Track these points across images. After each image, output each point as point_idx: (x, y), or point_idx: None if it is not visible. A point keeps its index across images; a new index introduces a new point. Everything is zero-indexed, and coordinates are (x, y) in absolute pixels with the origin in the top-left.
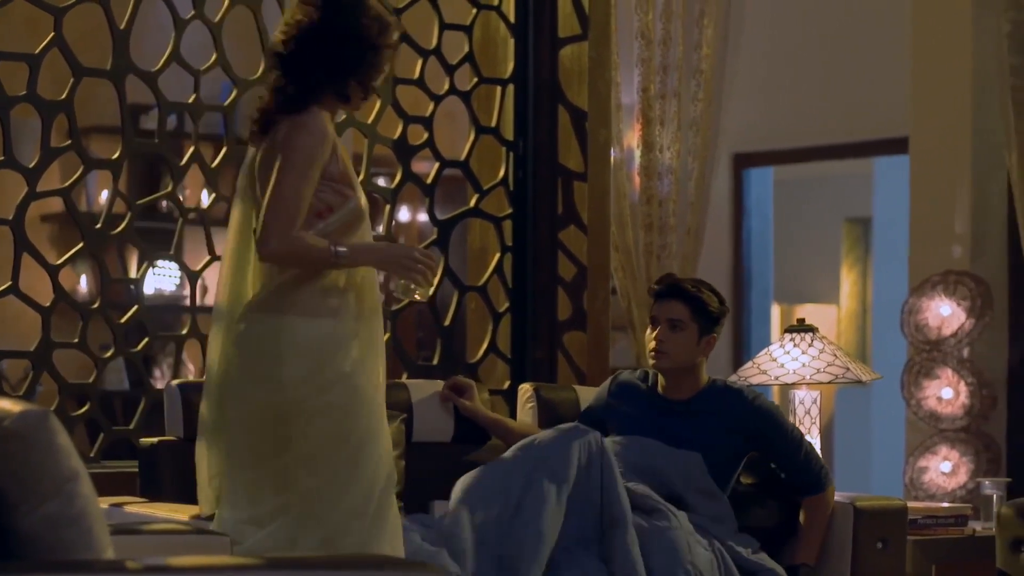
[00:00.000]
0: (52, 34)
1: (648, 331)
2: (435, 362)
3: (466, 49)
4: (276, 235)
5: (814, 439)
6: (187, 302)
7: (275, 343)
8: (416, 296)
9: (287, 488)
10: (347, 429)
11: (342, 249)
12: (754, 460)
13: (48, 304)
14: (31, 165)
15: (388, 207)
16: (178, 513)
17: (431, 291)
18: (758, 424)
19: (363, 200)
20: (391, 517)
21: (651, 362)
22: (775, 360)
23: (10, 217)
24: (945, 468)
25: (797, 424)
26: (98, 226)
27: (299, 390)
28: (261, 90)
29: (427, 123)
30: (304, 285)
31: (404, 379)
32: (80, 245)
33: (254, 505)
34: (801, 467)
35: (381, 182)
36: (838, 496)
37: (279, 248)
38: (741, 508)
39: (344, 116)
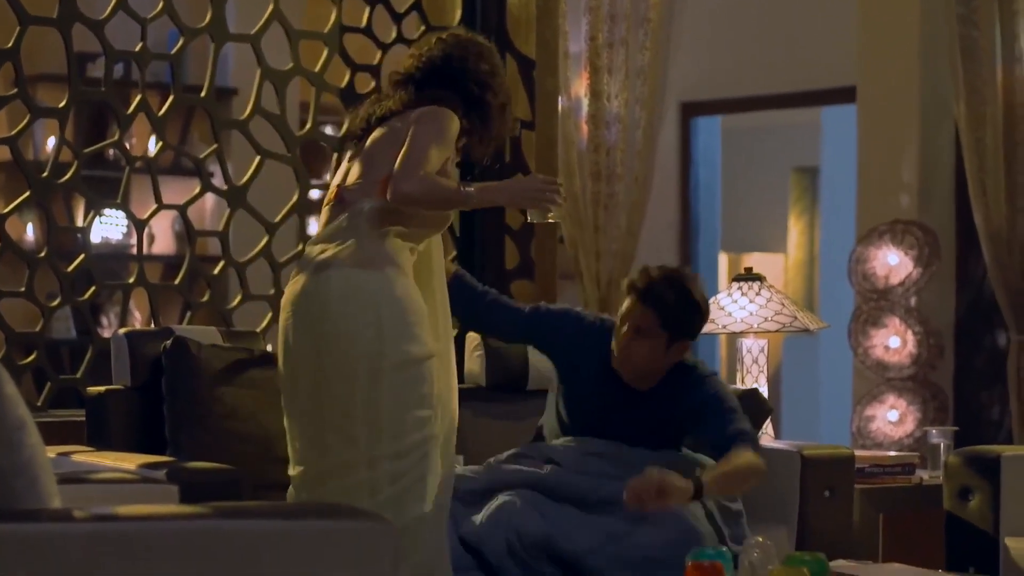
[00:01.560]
0: None
1: (619, 322)
2: None
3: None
4: (409, 176)
5: (762, 387)
6: (134, 251)
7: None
8: (550, 219)
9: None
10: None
11: (470, 189)
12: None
13: None
14: None
15: (335, 155)
16: (125, 462)
17: (562, 211)
18: (703, 397)
19: None
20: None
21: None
22: (723, 309)
23: None
24: (892, 417)
25: (745, 372)
26: (44, 175)
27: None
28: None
29: (374, 71)
30: (383, 243)
31: None
32: (26, 194)
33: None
34: (734, 432)
35: (328, 130)
36: (785, 444)
37: (413, 188)
38: None
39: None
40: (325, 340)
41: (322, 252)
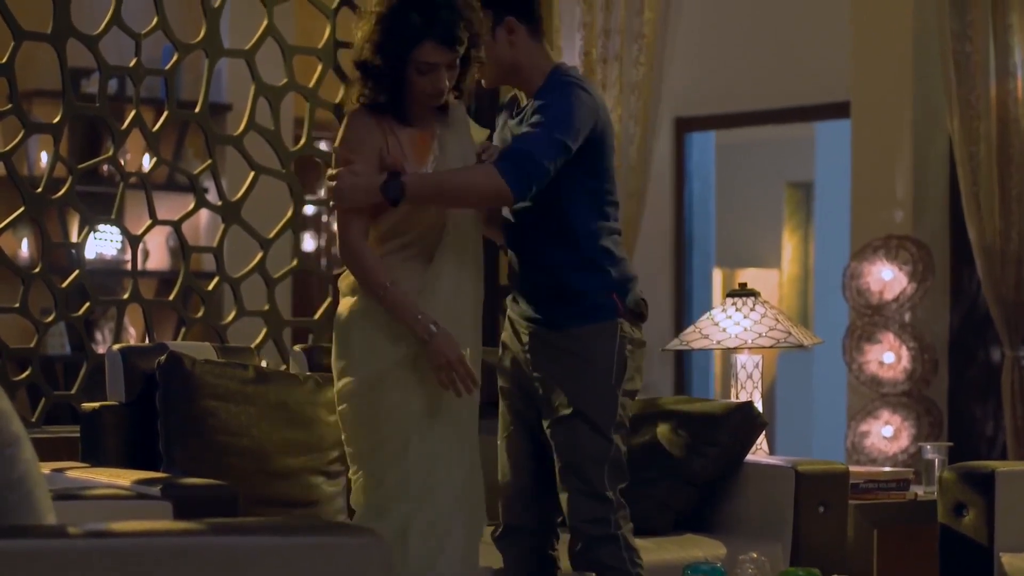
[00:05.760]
0: None
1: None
2: None
3: None
4: (339, 243)
5: (756, 403)
6: (128, 266)
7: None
8: None
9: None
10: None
11: (387, 285)
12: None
13: None
14: None
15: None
16: (119, 478)
17: None
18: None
19: None
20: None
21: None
22: (717, 324)
23: None
24: (887, 432)
25: (739, 388)
26: (39, 190)
27: None
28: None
29: None
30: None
31: None
32: (21, 209)
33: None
34: (506, 148)
35: (323, 146)
36: (779, 460)
37: (342, 255)
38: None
39: (285, 81)
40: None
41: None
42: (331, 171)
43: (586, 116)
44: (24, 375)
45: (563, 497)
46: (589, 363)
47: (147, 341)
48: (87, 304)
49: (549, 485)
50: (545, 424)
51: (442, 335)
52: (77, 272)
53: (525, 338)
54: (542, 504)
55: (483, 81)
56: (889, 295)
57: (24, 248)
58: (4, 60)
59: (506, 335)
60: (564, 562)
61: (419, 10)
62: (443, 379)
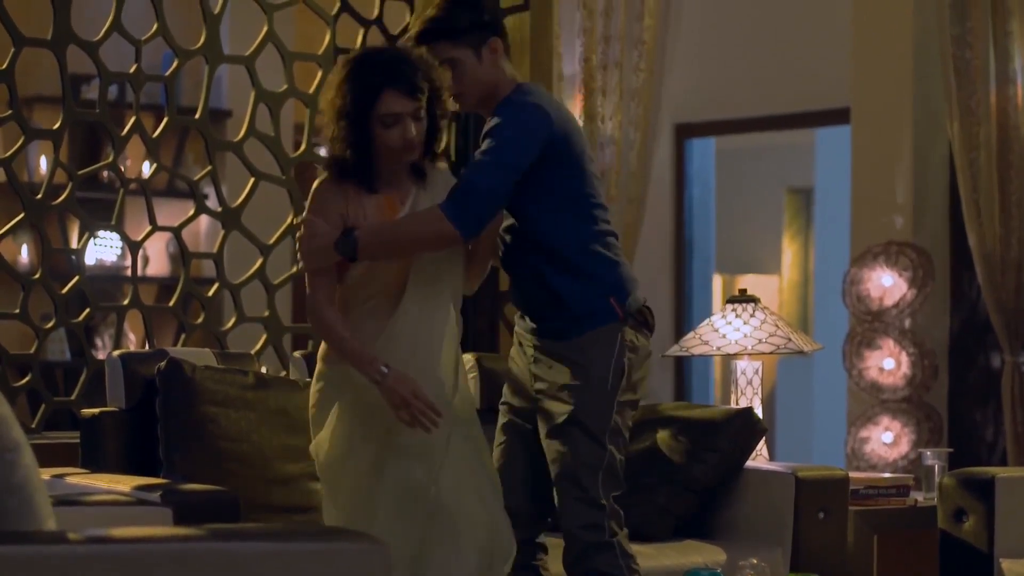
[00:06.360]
0: None
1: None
2: None
3: (407, 19)
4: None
5: (756, 409)
6: (128, 272)
7: None
8: None
9: None
10: None
11: (346, 336)
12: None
13: None
14: None
15: None
16: (119, 484)
17: None
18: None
19: None
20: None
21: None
22: (717, 331)
23: None
24: (887, 438)
25: (739, 394)
26: (39, 196)
27: None
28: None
29: None
30: None
31: None
32: (21, 215)
33: None
34: (472, 168)
35: (323, 152)
36: (779, 466)
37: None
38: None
39: (285, 87)
40: None
41: None
42: (298, 234)
43: (534, 129)
44: (24, 381)
45: (559, 503)
46: (586, 369)
47: (147, 347)
48: (87, 310)
49: (537, 500)
50: (543, 434)
51: (393, 375)
52: (77, 278)
53: (530, 351)
54: (530, 517)
55: (460, 107)
56: (889, 301)
57: (24, 254)
58: (4, 66)
59: (513, 350)
60: (555, 565)
61: (376, 66)
62: (403, 417)
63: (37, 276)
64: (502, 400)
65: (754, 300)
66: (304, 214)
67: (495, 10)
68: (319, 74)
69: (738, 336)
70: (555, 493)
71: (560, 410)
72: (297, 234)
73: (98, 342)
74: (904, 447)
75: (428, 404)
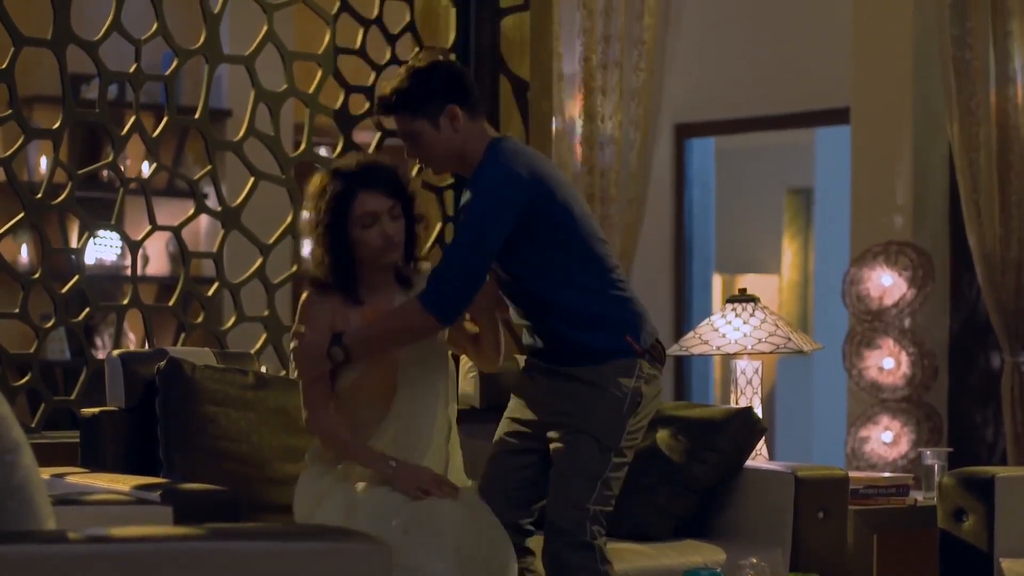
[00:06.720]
0: None
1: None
2: None
3: (408, 18)
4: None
5: (756, 408)
6: (128, 272)
7: None
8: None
9: None
10: None
11: (346, 438)
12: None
13: None
14: None
15: None
16: (119, 483)
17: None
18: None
19: None
20: None
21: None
22: (717, 330)
23: None
24: (886, 438)
25: (739, 394)
26: (39, 196)
27: None
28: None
29: (369, 93)
30: None
31: None
32: (21, 215)
33: None
34: (447, 253)
35: (323, 152)
36: (779, 465)
37: (315, 434)
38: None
39: (284, 86)
40: None
41: None
42: (291, 346)
43: (510, 199)
44: (24, 380)
45: (549, 497)
46: (604, 388)
47: (147, 346)
48: (87, 309)
49: (523, 509)
50: (552, 444)
51: (402, 467)
52: (77, 277)
53: (544, 365)
54: (516, 527)
55: (431, 171)
56: (889, 301)
57: (24, 253)
58: (4, 66)
59: (524, 366)
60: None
61: (349, 173)
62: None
63: (37, 275)
64: (507, 414)
65: (754, 300)
66: (294, 327)
67: (451, 78)
68: (319, 74)
69: (738, 336)
70: (549, 491)
71: (572, 423)
72: (291, 346)
73: (98, 342)
74: (904, 447)
75: (444, 481)
